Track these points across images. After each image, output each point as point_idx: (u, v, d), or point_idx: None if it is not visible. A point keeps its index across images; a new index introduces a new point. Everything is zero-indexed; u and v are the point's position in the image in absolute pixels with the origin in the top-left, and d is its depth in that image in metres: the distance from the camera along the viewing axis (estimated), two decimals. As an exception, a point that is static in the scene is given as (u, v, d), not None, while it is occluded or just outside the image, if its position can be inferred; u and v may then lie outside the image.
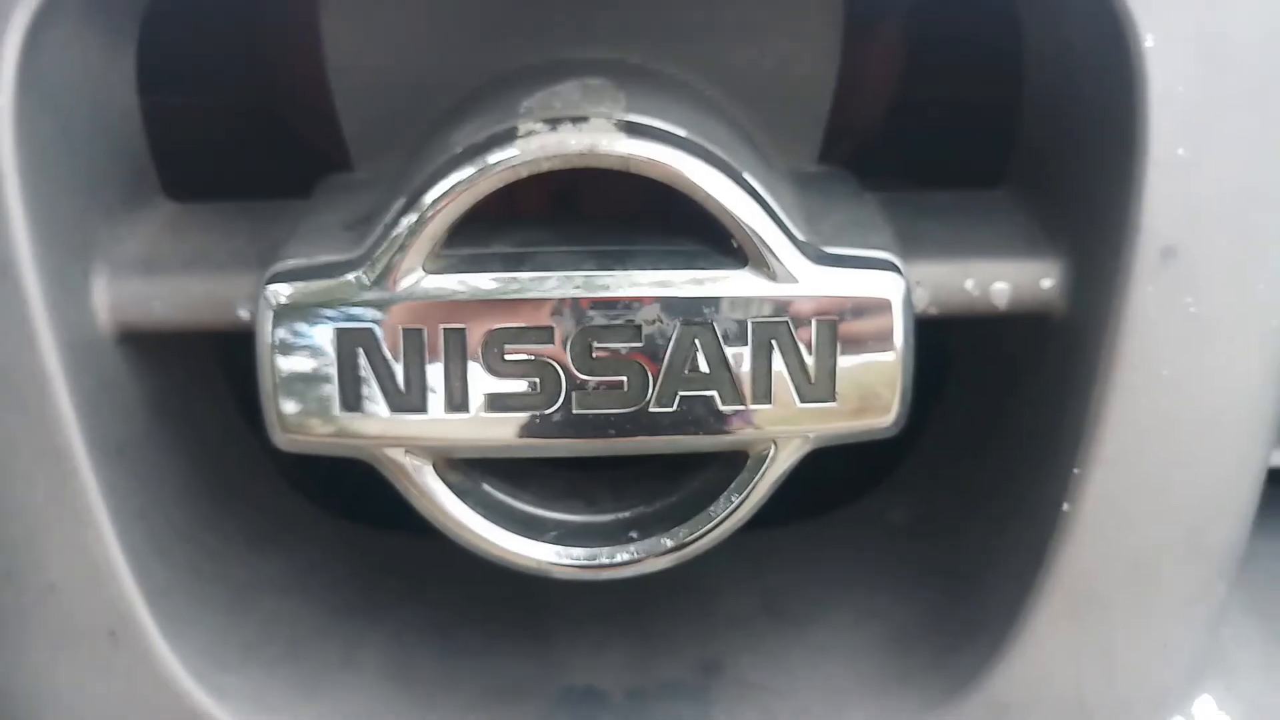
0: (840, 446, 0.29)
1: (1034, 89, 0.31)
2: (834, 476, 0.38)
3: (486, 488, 0.27)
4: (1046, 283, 0.28)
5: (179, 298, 0.28)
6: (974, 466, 0.32)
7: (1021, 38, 0.30)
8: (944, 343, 0.35)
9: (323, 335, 0.25)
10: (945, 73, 0.35)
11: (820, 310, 0.25)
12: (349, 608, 0.32)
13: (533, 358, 0.25)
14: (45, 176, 0.26)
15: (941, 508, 0.33)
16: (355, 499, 0.37)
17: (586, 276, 0.25)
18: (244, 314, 0.27)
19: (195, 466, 0.30)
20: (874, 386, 0.25)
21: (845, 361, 0.25)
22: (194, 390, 0.32)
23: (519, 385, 0.25)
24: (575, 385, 0.25)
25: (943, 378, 0.35)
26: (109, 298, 0.27)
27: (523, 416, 0.25)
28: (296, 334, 0.25)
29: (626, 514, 0.27)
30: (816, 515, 0.36)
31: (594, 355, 0.25)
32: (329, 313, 0.25)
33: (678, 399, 0.25)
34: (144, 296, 0.28)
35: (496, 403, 0.25)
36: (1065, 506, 0.27)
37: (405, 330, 0.25)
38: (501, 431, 0.25)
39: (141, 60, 0.29)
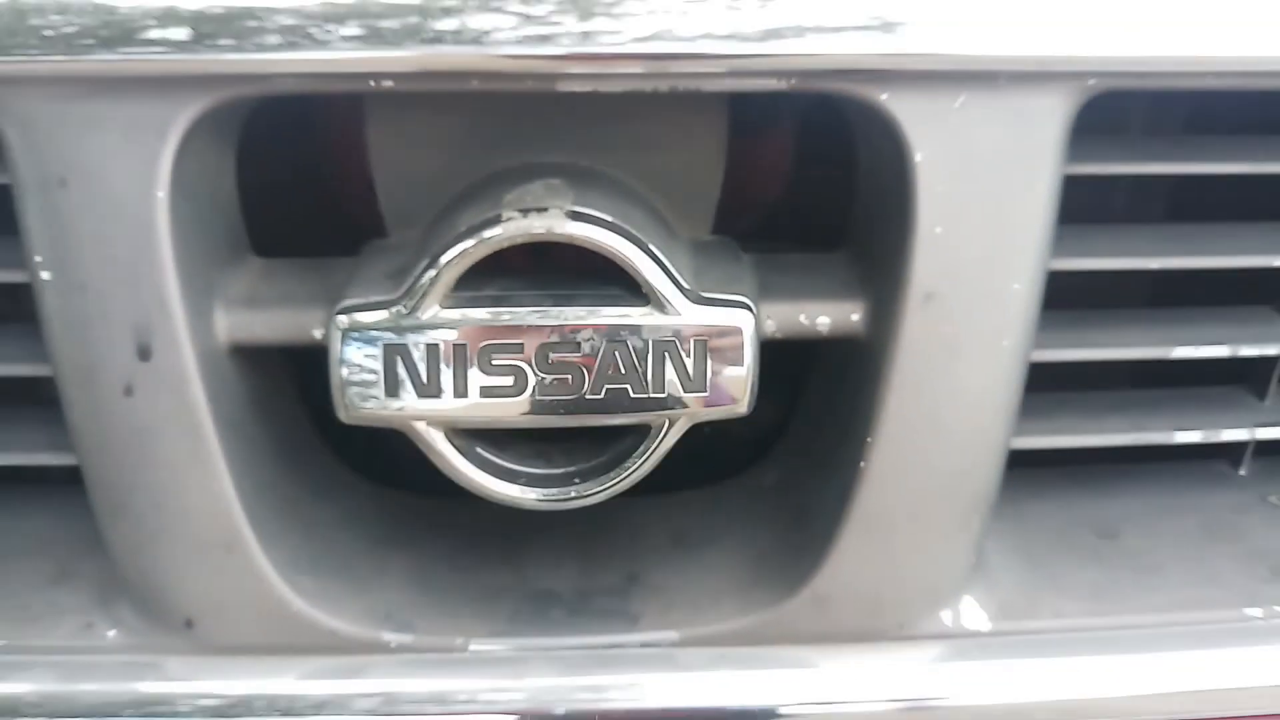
0: (732, 432, 0.42)
1: (860, 182, 0.44)
2: (728, 455, 0.51)
3: (479, 449, 0.39)
4: (854, 317, 0.41)
5: (272, 324, 0.40)
6: (816, 441, 0.45)
7: (854, 148, 0.44)
8: (804, 357, 0.48)
9: (373, 349, 0.38)
10: (804, 168, 0.48)
11: (697, 334, 0.38)
12: (379, 540, 0.45)
13: (511, 362, 0.37)
14: (185, 243, 0.38)
15: (796, 471, 0.46)
16: (380, 469, 0.50)
17: (545, 310, 0.38)
18: (318, 334, 0.39)
19: (277, 438, 0.43)
20: (732, 383, 0.38)
21: (713, 367, 0.38)
22: (277, 386, 0.44)
23: (503, 380, 0.37)
24: (538, 381, 0.38)
25: (802, 382, 0.48)
26: (225, 324, 0.40)
27: (504, 401, 0.38)
28: (356, 348, 0.38)
29: (572, 468, 0.40)
30: (716, 482, 0.49)
31: (550, 361, 0.37)
32: (377, 334, 0.38)
33: (605, 390, 0.38)
34: (248, 323, 0.40)
35: (487, 392, 0.38)
36: (862, 464, 0.40)
37: (427, 345, 0.38)
38: (490, 411, 0.38)
39: (239, 157, 0.42)
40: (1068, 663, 0.42)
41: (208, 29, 0.34)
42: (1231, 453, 0.51)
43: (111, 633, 0.42)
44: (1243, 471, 0.50)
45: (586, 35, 0.34)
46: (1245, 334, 0.46)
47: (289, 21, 0.34)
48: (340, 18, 0.34)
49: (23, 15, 0.35)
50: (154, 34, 0.34)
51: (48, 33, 0.35)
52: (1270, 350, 0.46)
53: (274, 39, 0.34)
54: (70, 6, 0.34)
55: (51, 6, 0.34)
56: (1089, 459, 0.48)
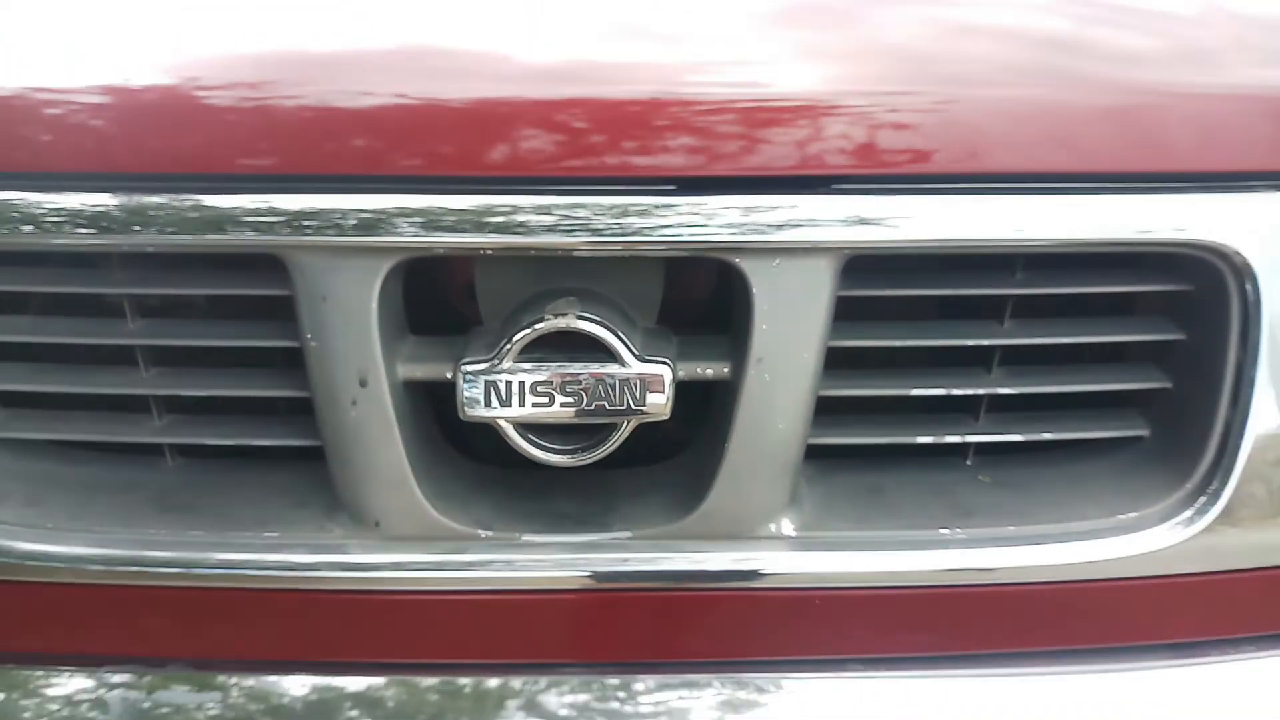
0: (667, 429, 0.79)
1: (734, 299, 0.80)
2: (664, 448, 0.88)
3: (531, 436, 0.76)
4: (725, 369, 0.77)
5: (425, 370, 0.77)
6: (708, 437, 0.81)
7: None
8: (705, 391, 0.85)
9: (479, 383, 0.75)
10: (707, 290, 0.85)
11: (641, 379, 0.74)
12: (474, 486, 0.82)
13: (547, 392, 0.74)
14: (383, 327, 0.75)
15: (698, 453, 0.82)
16: (471, 450, 0.87)
17: (565, 365, 0.74)
18: (449, 375, 0.76)
19: (425, 430, 0.80)
20: (658, 402, 0.74)
21: (649, 394, 0.74)
22: (425, 403, 0.82)
23: (543, 400, 0.73)
24: (561, 400, 0.74)
25: (704, 406, 0.85)
26: (402, 370, 0.77)
27: (543, 410, 0.74)
28: (470, 382, 0.75)
29: (579, 446, 0.76)
30: (666, 459, 0.86)
31: (567, 390, 0.74)
32: (481, 376, 0.75)
33: (595, 405, 0.73)
34: (413, 369, 0.77)
35: (535, 405, 0.74)
36: (727, 446, 0.76)
37: (505, 382, 0.74)
38: (536, 416, 0.75)
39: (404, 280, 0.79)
40: (842, 554, 0.78)
41: (396, 222, 0.72)
42: (964, 451, 0.87)
43: (335, 530, 0.79)
44: (969, 462, 0.86)
45: (592, 231, 0.71)
46: (959, 381, 0.82)
47: (445, 220, 0.71)
48: (462, 220, 0.72)
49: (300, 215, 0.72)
50: (368, 224, 0.72)
51: (314, 222, 0.72)
52: (975, 391, 0.82)
53: (427, 230, 0.72)
54: (333, 212, 0.72)
55: (320, 212, 0.72)
56: (870, 452, 0.85)
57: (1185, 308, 0.81)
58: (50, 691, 0.78)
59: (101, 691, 0.79)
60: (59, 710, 0.78)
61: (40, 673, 0.80)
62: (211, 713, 0.78)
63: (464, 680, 0.78)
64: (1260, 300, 0.76)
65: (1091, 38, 0.83)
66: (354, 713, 0.77)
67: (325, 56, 0.77)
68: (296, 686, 0.79)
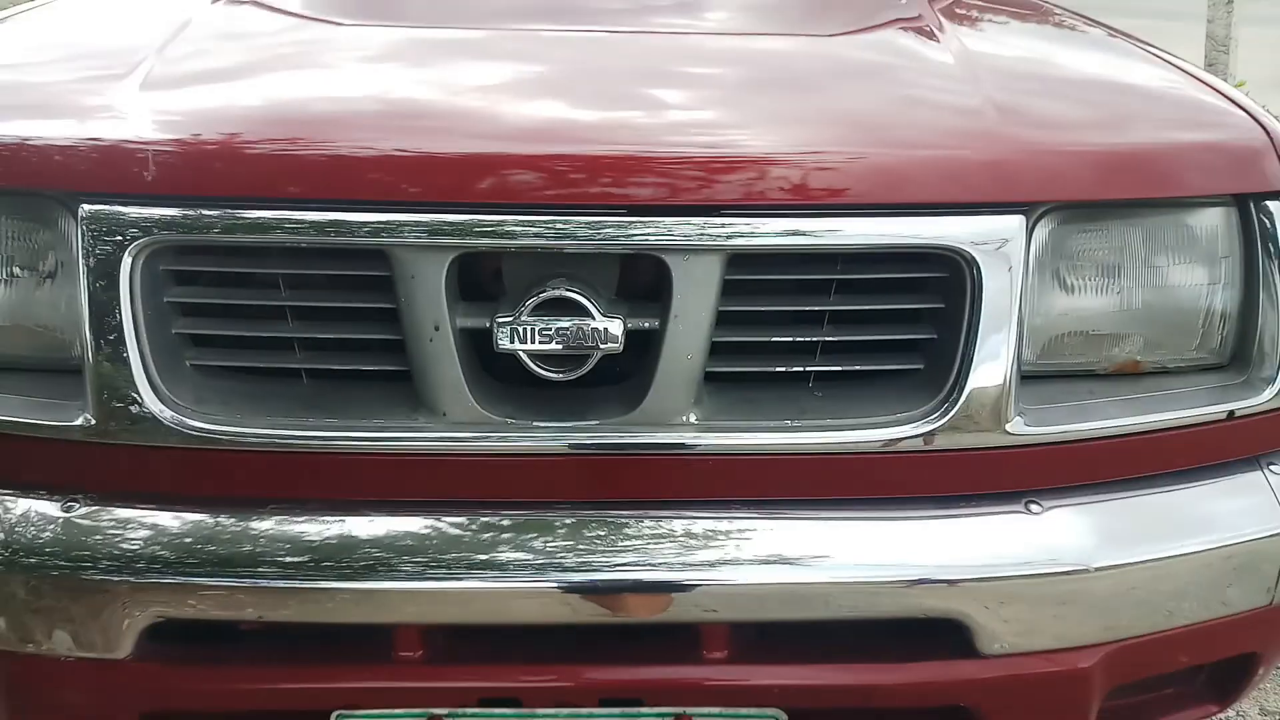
0: (621, 362, 1.28)
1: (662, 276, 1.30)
2: (622, 372, 1.37)
3: (538, 361, 1.24)
4: (655, 322, 1.25)
5: (472, 320, 1.25)
6: (646, 362, 1.31)
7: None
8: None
9: (506, 330, 1.23)
10: (645, 271, 1.35)
11: (605, 328, 1.22)
12: (502, 396, 1.30)
13: (546, 335, 1.21)
14: (453, 299, 1.24)
15: (643, 372, 1.32)
16: (499, 372, 1.36)
17: (556, 318, 1.23)
18: (487, 324, 1.25)
19: (473, 356, 1.29)
20: (616, 342, 1.23)
21: (609, 337, 1.23)
22: (474, 341, 1.31)
23: (544, 339, 1.19)
24: (556, 340, 1.22)
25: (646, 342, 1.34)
26: (458, 321, 1.25)
27: (544, 346, 1.21)
28: (501, 330, 1.23)
29: (566, 369, 1.25)
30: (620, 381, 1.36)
31: (559, 335, 1.20)
32: (509, 325, 1.23)
33: (576, 343, 1.21)
34: (465, 320, 1.25)
35: (539, 343, 1.21)
36: (656, 371, 1.25)
37: (522, 328, 1.22)
38: (540, 348, 1.23)
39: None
40: (726, 436, 1.28)
41: (457, 231, 1.20)
42: (807, 377, 1.36)
43: (418, 419, 1.26)
44: (810, 385, 1.35)
45: (576, 237, 1.21)
46: (803, 333, 1.31)
47: (486, 229, 1.20)
48: (496, 230, 1.20)
49: (399, 225, 1.21)
50: (441, 232, 1.21)
51: (408, 230, 1.21)
52: (813, 339, 1.31)
53: (475, 237, 1.20)
54: (420, 224, 1.20)
55: (411, 224, 1.20)
56: (746, 376, 1.34)
57: (944, 287, 1.31)
58: (248, 525, 1.26)
59: (269, 522, 1.27)
60: (247, 531, 1.26)
61: (231, 510, 1.27)
62: (334, 530, 1.26)
63: (496, 514, 1.27)
64: (981, 281, 1.26)
65: (881, 118, 1.33)
66: (428, 531, 1.26)
67: (418, 128, 1.26)
68: (390, 517, 1.27)
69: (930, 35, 1.71)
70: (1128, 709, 1.47)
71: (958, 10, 1.98)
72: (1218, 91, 1.55)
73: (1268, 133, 1.42)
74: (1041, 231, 1.32)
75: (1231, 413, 1.37)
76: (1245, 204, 1.39)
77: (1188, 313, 1.40)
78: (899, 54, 1.70)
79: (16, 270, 1.32)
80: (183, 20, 1.62)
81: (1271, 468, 1.42)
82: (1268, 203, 1.39)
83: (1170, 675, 1.47)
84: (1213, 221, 1.40)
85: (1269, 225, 1.38)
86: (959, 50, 1.62)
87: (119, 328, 1.22)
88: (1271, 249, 1.39)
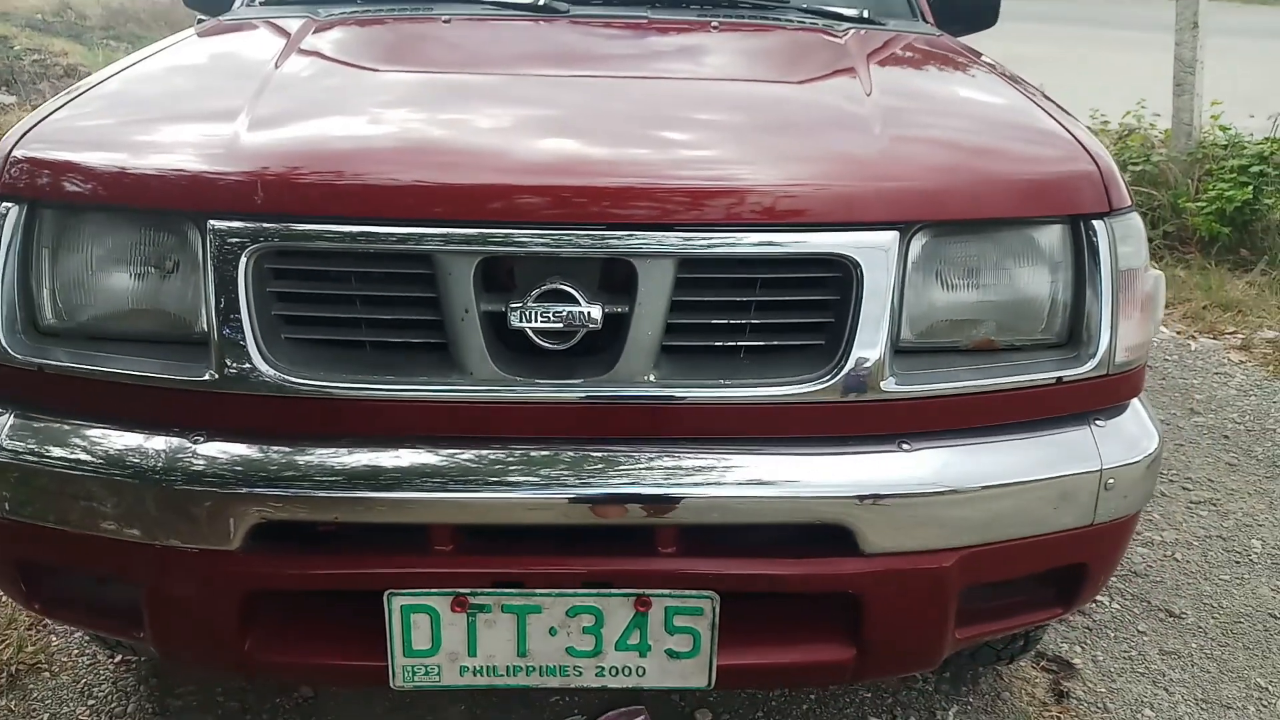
0: (600, 339, 1.75)
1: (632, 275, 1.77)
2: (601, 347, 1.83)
3: (541, 336, 1.71)
4: (626, 308, 1.72)
5: (492, 305, 1.72)
6: (620, 339, 1.77)
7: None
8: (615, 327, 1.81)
9: (518, 312, 1.69)
10: (620, 271, 1.82)
11: (589, 311, 1.69)
12: (514, 360, 1.76)
13: (546, 316, 1.68)
14: (480, 284, 1.71)
15: (617, 346, 1.78)
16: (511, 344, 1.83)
17: (554, 305, 1.70)
18: (504, 309, 1.72)
19: (492, 333, 1.75)
20: (598, 322, 1.69)
21: (592, 318, 1.70)
22: (493, 320, 1.78)
23: (545, 319, 1.65)
24: (554, 320, 1.68)
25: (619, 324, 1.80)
26: (482, 305, 1.73)
27: (546, 324, 1.68)
28: (514, 312, 1.70)
29: (561, 342, 1.72)
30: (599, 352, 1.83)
31: (556, 316, 1.66)
32: (519, 309, 1.70)
33: (568, 322, 1.69)
34: (487, 306, 1.73)
35: (542, 321, 1.68)
36: (626, 343, 1.71)
37: (530, 311, 1.69)
38: (543, 325, 1.69)
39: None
40: (678, 389, 1.73)
41: (482, 240, 1.68)
42: (739, 350, 1.83)
43: (451, 376, 1.72)
44: (741, 355, 1.81)
45: (571, 245, 1.68)
46: (734, 316, 1.78)
47: (503, 239, 1.68)
48: (509, 240, 1.68)
49: (441, 237, 1.68)
50: (472, 241, 1.68)
51: (446, 239, 1.68)
52: (743, 321, 1.78)
53: (495, 245, 1.68)
54: (455, 235, 1.68)
55: (448, 235, 1.67)
56: (693, 349, 1.80)
57: (839, 284, 1.77)
58: (327, 452, 1.72)
59: (343, 451, 1.73)
60: (327, 457, 1.72)
61: (315, 442, 1.74)
62: (389, 457, 1.72)
63: (507, 447, 1.74)
64: (863, 279, 1.73)
65: (798, 156, 1.80)
66: (457, 458, 1.72)
67: (452, 164, 1.74)
68: (430, 449, 1.73)
69: (855, 86, 2.18)
70: (989, 610, 1.94)
71: (887, 63, 2.45)
72: (1065, 129, 2.01)
73: (1097, 166, 1.88)
74: (918, 242, 1.78)
75: (1060, 379, 1.83)
76: (1076, 223, 1.85)
77: (1032, 305, 1.86)
78: (825, 102, 2.17)
79: (150, 269, 1.79)
80: (265, 74, 2.10)
81: (1097, 422, 1.88)
82: (1094, 222, 1.84)
83: (1022, 583, 1.93)
84: (1051, 235, 1.86)
85: (1094, 240, 1.84)
86: (874, 100, 2.09)
87: (237, 311, 1.69)
88: (1097, 258, 1.85)
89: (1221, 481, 4.06)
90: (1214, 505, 3.89)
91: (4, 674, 2.52)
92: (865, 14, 2.69)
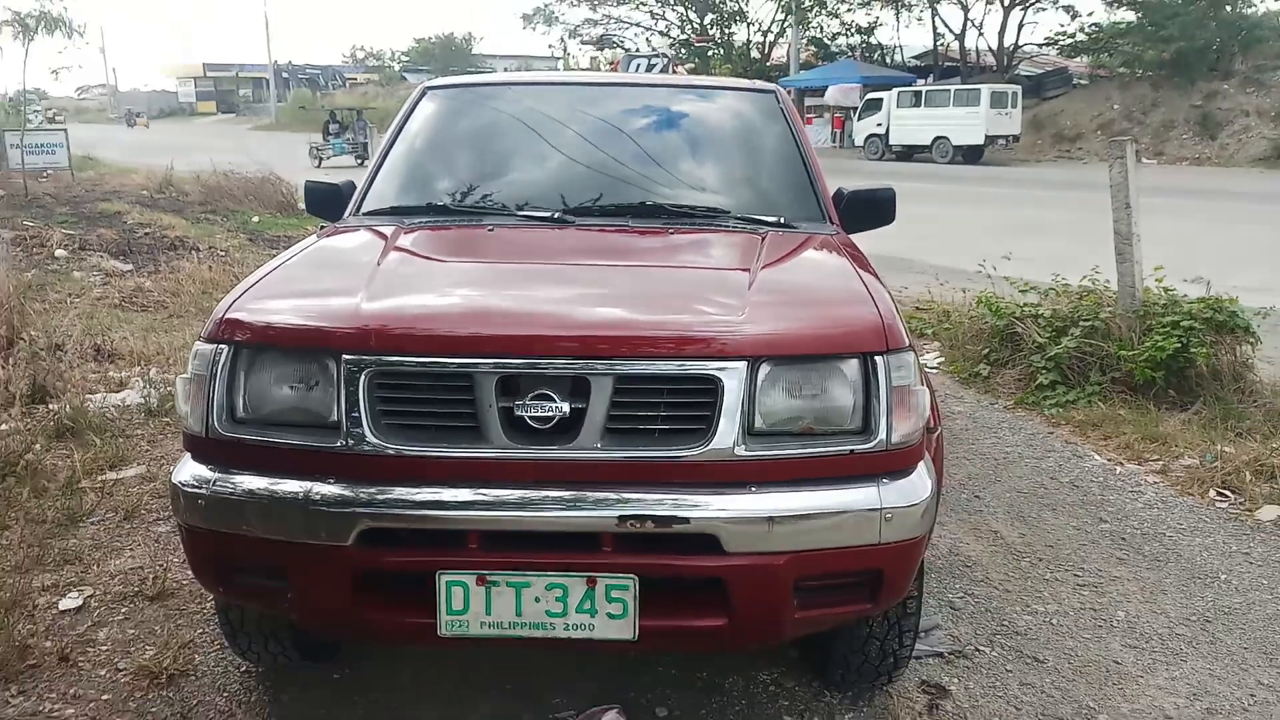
0: (568, 425, 2.94)
1: (588, 381, 2.97)
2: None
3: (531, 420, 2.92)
4: (585, 404, 2.93)
5: (502, 399, 2.95)
6: (582, 423, 2.97)
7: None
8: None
9: (520, 405, 2.91)
10: (580, 381, 3.03)
11: (561, 407, 2.90)
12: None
13: (535, 403, 2.90)
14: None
15: (579, 426, 2.97)
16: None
17: (541, 400, 2.92)
18: (509, 405, 2.94)
19: (503, 407, 2.97)
20: (565, 413, 2.90)
21: (562, 411, 2.90)
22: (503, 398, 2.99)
23: (535, 406, 2.90)
24: (541, 408, 2.91)
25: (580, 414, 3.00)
26: (495, 397, 2.95)
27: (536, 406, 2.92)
28: (519, 406, 2.92)
29: (546, 424, 2.93)
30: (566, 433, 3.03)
31: (542, 409, 2.90)
32: (517, 399, 2.92)
33: (548, 411, 2.91)
34: (500, 399, 2.95)
35: (531, 403, 2.92)
36: (583, 421, 2.91)
37: (525, 401, 2.92)
38: (531, 407, 2.92)
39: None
40: (613, 453, 2.93)
41: (499, 369, 2.91)
42: (659, 420, 3.01)
43: (479, 445, 2.93)
44: (660, 426, 3.00)
45: (546, 364, 2.91)
46: (653, 407, 2.97)
47: (506, 363, 2.91)
48: (507, 365, 2.91)
49: (475, 365, 2.92)
50: (501, 369, 2.92)
51: (479, 365, 2.91)
52: (658, 412, 2.96)
53: (506, 368, 2.91)
54: (486, 363, 2.92)
55: (479, 364, 2.91)
56: (633, 419, 2.99)
57: (713, 392, 2.96)
58: (408, 488, 2.93)
59: (417, 487, 2.94)
60: (407, 491, 2.92)
61: (400, 482, 2.94)
62: (443, 492, 2.93)
63: (512, 487, 2.92)
64: (724, 390, 2.93)
65: (689, 312, 3.04)
66: (481, 493, 2.92)
67: (485, 321, 3.00)
68: (466, 487, 2.92)
69: (746, 271, 3.42)
70: (819, 600, 3.03)
71: (778, 253, 3.69)
72: (871, 295, 3.20)
73: (882, 321, 3.08)
74: (762, 369, 2.97)
75: (853, 450, 2.98)
76: (864, 357, 3.03)
77: (837, 408, 3.02)
78: (721, 280, 3.39)
79: (304, 384, 3.05)
80: (373, 264, 3.41)
81: (883, 480, 3.01)
82: (876, 357, 3.03)
83: (840, 581, 3.03)
84: (850, 365, 3.03)
85: (876, 369, 3.02)
86: (754, 277, 3.33)
87: (357, 409, 2.94)
88: (879, 381, 3.01)
89: (1108, 571, 5.05)
90: (1095, 588, 4.88)
91: (164, 675, 3.72)
92: (783, 220, 3.93)
